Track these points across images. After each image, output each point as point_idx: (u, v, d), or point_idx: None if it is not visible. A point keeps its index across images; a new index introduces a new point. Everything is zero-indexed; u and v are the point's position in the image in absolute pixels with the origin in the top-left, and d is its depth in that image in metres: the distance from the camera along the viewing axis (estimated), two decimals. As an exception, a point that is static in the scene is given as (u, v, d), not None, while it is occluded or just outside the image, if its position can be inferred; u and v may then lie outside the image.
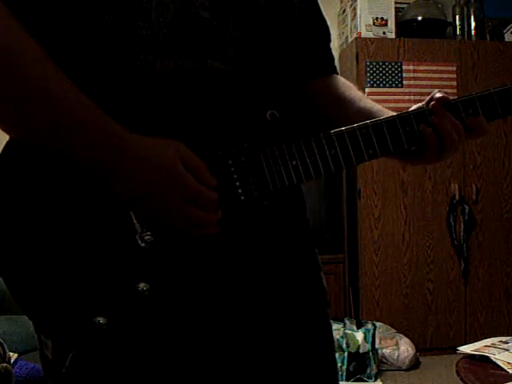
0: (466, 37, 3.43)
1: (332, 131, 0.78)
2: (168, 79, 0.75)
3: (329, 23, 0.99)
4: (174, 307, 0.75)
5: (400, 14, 3.40)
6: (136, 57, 0.73)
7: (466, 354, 1.82)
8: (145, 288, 0.71)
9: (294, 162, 0.76)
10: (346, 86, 0.96)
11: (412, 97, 3.17)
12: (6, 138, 0.73)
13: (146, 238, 0.72)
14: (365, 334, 2.89)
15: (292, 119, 0.78)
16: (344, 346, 2.87)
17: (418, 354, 3.08)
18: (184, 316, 0.76)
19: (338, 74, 0.99)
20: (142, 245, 0.72)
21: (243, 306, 0.81)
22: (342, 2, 3.58)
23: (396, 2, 3.31)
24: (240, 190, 0.75)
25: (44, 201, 0.71)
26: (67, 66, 0.70)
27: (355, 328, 2.96)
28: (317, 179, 0.79)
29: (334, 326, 2.90)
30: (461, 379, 1.68)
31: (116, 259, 0.71)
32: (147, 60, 0.74)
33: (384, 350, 3.00)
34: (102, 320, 0.70)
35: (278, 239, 0.84)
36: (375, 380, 2.89)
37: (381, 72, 3.19)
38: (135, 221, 0.72)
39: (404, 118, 0.80)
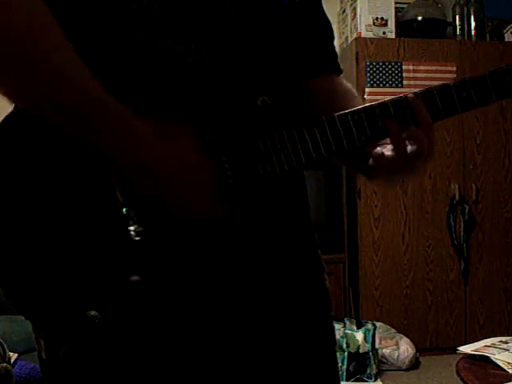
0: (465, 37, 3.42)
1: (323, 117, 0.75)
2: (155, 59, 0.72)
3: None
4: (170, 301, 0.73)
5: (400, 14, 3.40)
6: (127, 33, 0.71)
7: (466, 353, 1.82)
8: (138, 281, 0.70)
9: (286, 151, 0.74)
10: (347, 97, 0.91)
11: (412, 97, 3.17)
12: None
13: (138, 229, 0.70)
14: (365, 333, 2.89)
15: (284, 106, 0.76)
16: (344, 346, 2.87)
17: (417, 354, 3.08)
18: (180, 311, 0.74)
19: (341, 72, 0.96)
20: (135, 237, 0.70)
21: (245, 303, 0.80)
22: (342, 2, 3.58)
23: (396, 2, 3.31)
24: (231, 180, 0.73)
25: (32, 191, 0.69)
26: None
27: (355, 328, 2.96)
28: (310, 166, 0.77)
29: (334, 326, 2.90)
30: (461, 379, 1.68)
31: (107, 251, 0.70)
32: (137, 37, 0.71)
33: (384, 350, 3.00)
34: (94, 314, 0.69)
35: (281, 239, 0.83)
36: (375, 380, 2.89)
37: (381, 72, 3.19)
38: (125, 211, 0.70)
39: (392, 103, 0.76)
